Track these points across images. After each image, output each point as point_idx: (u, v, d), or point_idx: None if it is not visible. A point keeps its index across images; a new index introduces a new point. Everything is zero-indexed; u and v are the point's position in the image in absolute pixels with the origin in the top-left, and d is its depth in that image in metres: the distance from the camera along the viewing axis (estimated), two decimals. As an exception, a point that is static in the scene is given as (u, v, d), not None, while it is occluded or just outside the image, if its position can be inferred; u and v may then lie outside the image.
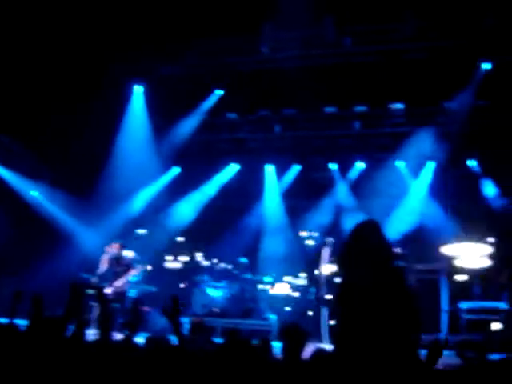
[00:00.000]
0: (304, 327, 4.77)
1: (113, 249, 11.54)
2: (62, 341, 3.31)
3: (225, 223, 15.80)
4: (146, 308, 13.30)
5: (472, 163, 14.43)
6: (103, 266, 11.45)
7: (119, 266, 11.52)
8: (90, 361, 3.36)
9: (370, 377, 3.00)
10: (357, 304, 3.18)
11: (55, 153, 14.16)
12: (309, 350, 4.25)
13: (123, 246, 11.73)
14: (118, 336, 8.01)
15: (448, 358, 7.33)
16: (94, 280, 11.15)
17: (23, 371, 3.08)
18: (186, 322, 12.04)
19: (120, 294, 11.46)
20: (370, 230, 3.41)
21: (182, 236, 15.87)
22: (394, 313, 3.12)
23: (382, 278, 3.21)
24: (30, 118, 13.16)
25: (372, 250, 3.29)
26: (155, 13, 12.14)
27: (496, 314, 11.47)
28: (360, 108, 14.12)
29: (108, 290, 11.36)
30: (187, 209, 16.25)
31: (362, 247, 3.32)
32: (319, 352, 3.83)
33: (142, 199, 15.71)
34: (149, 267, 11.89)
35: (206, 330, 7.19)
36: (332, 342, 3.35)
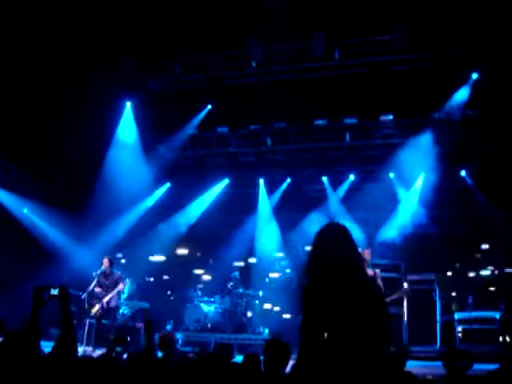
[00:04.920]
0: (289, 341, 4.70)
1: (103, 263, 11.53)
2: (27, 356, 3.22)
3: (217, 237, 15.72)
4: (139, 324, 13.21)
5: (463, 173, 14.44)
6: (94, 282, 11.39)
7: (107, 281, 11.46)
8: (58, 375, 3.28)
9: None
10: (318, 306, 3.14)
11: (46, 169, 14.12)
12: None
13: (112, 262, 11.70)
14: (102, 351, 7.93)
15: (436, 368, 7.28)
16: (84, 296, 11.10)
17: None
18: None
19: (110, 311, 11.40)
20: (335, 233, 3.37)
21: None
22: (355, 318, 3.07)
23: (345, 282, 3.16)
24: (20, 135, 13.13)
25: (336, 254, 3.25)
26: (143, 28, 12.20)
27: (490, 324, 11.42)
28: (350, 120, 14.12)
29: (96, 307, 11.28)
30: (179, 223, 16.20)
31: (325, 250, 3.28)
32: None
33: (133, 215, 15.62)
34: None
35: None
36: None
